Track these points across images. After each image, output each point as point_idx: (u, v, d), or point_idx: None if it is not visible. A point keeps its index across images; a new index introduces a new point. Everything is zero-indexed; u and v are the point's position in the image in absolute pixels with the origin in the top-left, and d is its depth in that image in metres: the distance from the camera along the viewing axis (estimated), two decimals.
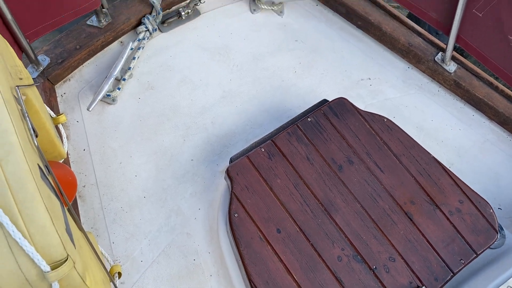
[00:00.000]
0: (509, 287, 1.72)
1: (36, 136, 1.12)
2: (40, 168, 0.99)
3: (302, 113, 2.09)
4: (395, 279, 1.75)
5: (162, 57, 2.29)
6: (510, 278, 1.75)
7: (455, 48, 2.38)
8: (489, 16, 2.15)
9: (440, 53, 2.44)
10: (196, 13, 2.41)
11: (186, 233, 1.95)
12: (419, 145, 2.00)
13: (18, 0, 1.73)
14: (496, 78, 2.37)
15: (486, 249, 1.86)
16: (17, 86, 1.09)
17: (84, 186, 1.97)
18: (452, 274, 1.80)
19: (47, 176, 1.05)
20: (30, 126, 1.05)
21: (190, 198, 2.01)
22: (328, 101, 2.08)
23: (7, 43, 1.27)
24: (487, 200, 1.94)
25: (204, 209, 1.99)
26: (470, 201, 1.92)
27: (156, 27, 2.29)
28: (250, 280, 1.68)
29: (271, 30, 2.49)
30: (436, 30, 2.43)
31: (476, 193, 1.94)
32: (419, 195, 1.90)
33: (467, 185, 1.95)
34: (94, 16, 2.17)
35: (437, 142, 2.33)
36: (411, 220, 1.86)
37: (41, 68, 2.03)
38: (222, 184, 2.03)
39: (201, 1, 2.30)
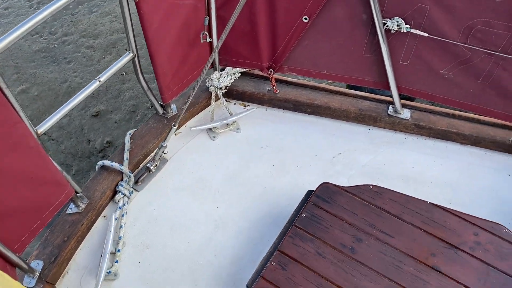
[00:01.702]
0: None
1: None
2: None
3: (295, 211, 2.12)
4: None
5: (146, 214, 2.34)
6: None
7: (401, 97, 2.56)
8: (416, 62, 2.36)
9: (390, 106, 2.61)
10: (164, 161, 2.52)
11: None
12: (412, 197, 2.04)
13: None
14: (449, 107, 2.53)
15: None
16: None
17: None
18: None
19: None
20: None
21: None
22: (313, 190, 2.13)
23: (8, 277, 1.28)
24: (498, 222, 1.95)
25: None
26: (483, 230, 1.93)
27: (131, 189, 2.36)
28: None
29: (236, 148, 2.62)
30: (377, 89, 2.63)
31: (485, 219, 1.95)
32: (435, 245, 1.90)
33: (474, 216, 1.97)
34: (71, 203, 2.23)
35: (427, 185, 2.38)
36: (440, 272, 1.83)
37: (37, 274, 2.02)
38: None
39: (164, 152, 2.42)
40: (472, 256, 1.87)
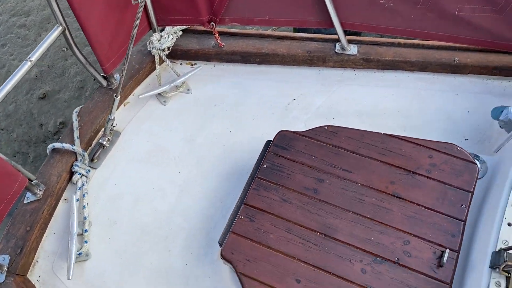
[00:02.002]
0: None
1: None
2: None
3: (256, 163, 2.13)
4: (420, 258, 1.76)
5: (108, 190, 2.29)
6: (509, 195, 1.80)
7: (347, 33, 2.53)
8: None
9: (337, 44, 2.58)
10: (116, 134, 2.45)
11: None
12: (367, 131, 2.08)
13: None
14: (394, 37, 2.53)
15: (475, 183, 1.91)
16: None
17: None
18: (463, 222, 1.83)
19: None
20: None
21: None
22: (271, 141, 2.13)
23: None
24: (450, 142, 2.02)
25: None
26: (437, 151, 1.99)
27: (88, 168, 2.30)
28: None
29: (189, 109, 2.56)
30: (323, 29, 2.59)
31: (437, 141, 2.02)
32: (393, 173, 1.95)
33: (426, 140, 2.03)
34: (27, 192, 2.15)
35: (381, 116, 2.42)
36: (400, 198, 1.90)
37: (5, 268, 1.98)
38: (226, 268, 2.01)
39: (113, 125, 2.34)
40: (429, 178, 1.94)
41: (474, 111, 2.39)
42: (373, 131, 2.08)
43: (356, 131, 2.08)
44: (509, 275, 1.59)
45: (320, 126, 2.12)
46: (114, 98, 2.20)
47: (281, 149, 2.07)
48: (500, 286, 1.59)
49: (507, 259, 1.58)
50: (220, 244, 1.91)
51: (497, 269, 1.61)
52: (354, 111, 2.46)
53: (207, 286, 1.99)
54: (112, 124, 2.30)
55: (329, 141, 2.07)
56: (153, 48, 2.61)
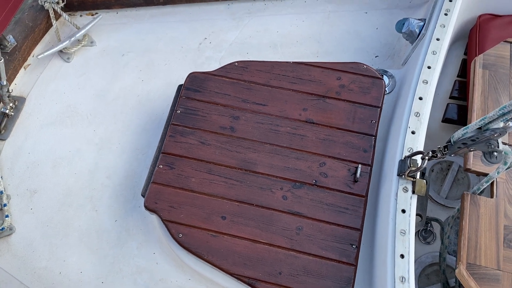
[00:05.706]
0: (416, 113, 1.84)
1: None
2: None
3: (170, 109, 2.08)
4: (336, 176, 1.83)
5: (22, 160, 2.19)
6: (412, 104, 1.87)
7: None
8: None
9: None
10: (21, 100, 2.30)
11: (159, 280, 1.94)
12: (276, 61, 2.06)
13: None
14: None
15: (383, 97, 1.98)
16: None
17: None
18: (374, 136, 1.91)
19: None
20: None
21: (140, 251, 1.98)
22: (182, 84, 2.08)
23: None
24: (361, 61, 2.05)
25: (158, 250, 1.98)
26: (344, 72, 2.02)
27: None
28: (232, 275, 1.71)
29: (96, 63, 2.42)
30: None
31: (344, 62, 2.04)
32: (305, 100, 1.97)
33: (334, 62, 2.04)
34: None
35: (294, 44, 2.41)
36: (313, 123, 1.93)
37: None
38: (155, 219, 2.02)
39: (10, 91, 2.18)
40: (339, 99, 1.98)
41: (382, 27, 2.42)
42: (286, 60, 2.07)
43: (266, 63, 2.06)
44: (414, 179, 1.70)
45: (230, 63, 2.07)
46: None
47: (193, 91, 2.03)
48: (407, 190, 1.69)
49: (411, 165, 1.68)
50: (144, 196, 1.90)
51: (403, 176, 1.71)
52: (268, 43, 2.43)
53: (139, 237, 2.01)
54: (8, 90, 2.14)
55: (240, 77, 2.04)
56: (45, 1, 2.39)
